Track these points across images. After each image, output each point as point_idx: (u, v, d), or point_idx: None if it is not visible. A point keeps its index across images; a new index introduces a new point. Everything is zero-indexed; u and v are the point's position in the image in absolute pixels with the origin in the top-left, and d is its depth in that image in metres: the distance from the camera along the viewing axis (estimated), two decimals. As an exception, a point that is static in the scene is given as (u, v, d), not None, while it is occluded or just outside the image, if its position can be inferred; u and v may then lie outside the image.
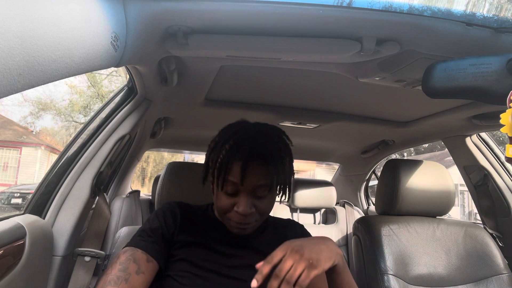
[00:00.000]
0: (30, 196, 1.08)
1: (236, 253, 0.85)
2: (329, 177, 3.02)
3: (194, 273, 0.80)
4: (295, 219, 2.28)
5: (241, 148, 0.78)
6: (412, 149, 12.60)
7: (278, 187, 0.84)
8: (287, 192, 0.86)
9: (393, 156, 2.43)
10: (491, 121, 1.35)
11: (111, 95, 1.31)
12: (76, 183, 1.07)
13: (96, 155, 1.11)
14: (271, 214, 0.93)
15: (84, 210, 1.07)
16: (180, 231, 0.85)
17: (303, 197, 2.23)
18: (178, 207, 0.90)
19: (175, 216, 0.88)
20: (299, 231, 0.96)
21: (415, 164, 1.46)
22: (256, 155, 0.77)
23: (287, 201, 0.93)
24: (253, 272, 0.83)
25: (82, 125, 1.25)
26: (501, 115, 0.56)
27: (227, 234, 0.87)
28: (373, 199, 2.76)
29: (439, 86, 0.67)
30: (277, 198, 0.88)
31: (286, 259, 0.66)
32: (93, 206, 1.21)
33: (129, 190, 2.47)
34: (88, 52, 0.58)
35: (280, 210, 2.23)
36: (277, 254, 0.68)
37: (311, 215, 2.39)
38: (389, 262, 1.28)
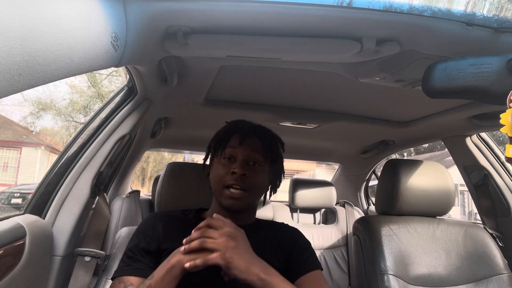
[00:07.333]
0: (30, 196, 1.08)
1: None
2: (329, 177, 3.02)
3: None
4: (295, 219, 2.28)
5: (240, 126, 0.94)
6: (412, 149, 12.61)
7: (271, 171, 0.93)
8: (278, 182, 0.97)
9: (393, 156, 2.43)
10: (491, 121, 1.35)
11: (111, 95, 1.31)
12: (76, 183, 1.07)
13: (96, 155, 1.11)
14: (272, 214, 0.94)
15: (84, 210, 1.07)
16: (165, 240, 0.88)
17: (303, 197, 2.23)
18: (159, 218, 0.94)
19: (156, 227, 0.90)
20: (290, 233, 0.97)
21: (415, 164, 1.46)
22: (254, 132, 0.92)
23: (275, 193, 0.99)
24: None
25: (82, 125, 1.25)
26: (501, 115, 0.56)
27: None
28: (373, 199, 2.76)
29: (439, 86, 0.67)
30: (272, 197, 0.91)
31: (216, 235, 0.71)
32: (93, 206, 1.21)
33: (129, 190, 2.47)
34: (88, 52, 0.58)
35: (280, 210, 2.22)
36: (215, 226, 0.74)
37: (311, 215, 2.38)
38: (389, 262, 1.28)
